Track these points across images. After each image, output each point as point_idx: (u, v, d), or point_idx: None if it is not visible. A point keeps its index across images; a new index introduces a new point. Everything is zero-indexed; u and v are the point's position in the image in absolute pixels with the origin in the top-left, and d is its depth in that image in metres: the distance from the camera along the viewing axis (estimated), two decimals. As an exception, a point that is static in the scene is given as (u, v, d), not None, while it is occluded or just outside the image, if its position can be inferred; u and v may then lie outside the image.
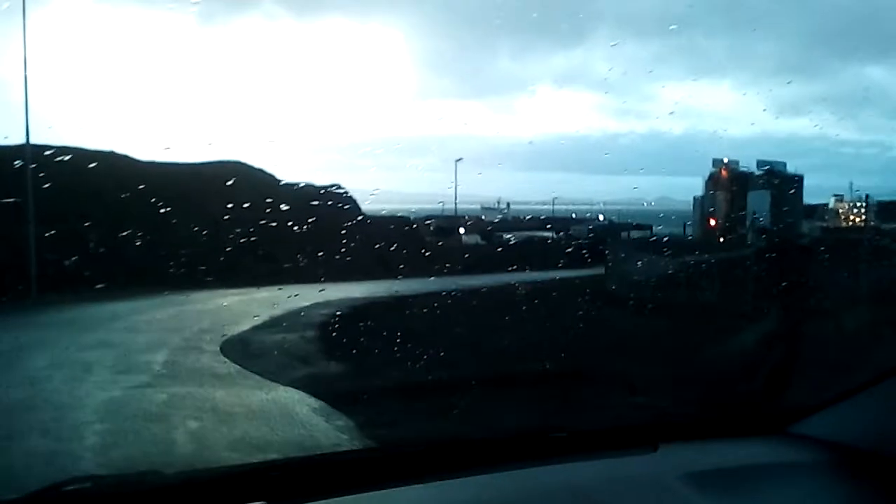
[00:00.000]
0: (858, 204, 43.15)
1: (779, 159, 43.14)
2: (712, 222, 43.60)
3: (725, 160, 42.99)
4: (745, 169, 43.21)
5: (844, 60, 67.52)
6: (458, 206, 54.63)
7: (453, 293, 19.40)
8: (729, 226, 42.13)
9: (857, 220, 42.79)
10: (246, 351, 14.58)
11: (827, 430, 2.87)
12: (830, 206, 44.50)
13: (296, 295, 20.04)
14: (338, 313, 18.59)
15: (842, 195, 44.00)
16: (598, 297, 18.21)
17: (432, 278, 26.97)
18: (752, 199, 41.88)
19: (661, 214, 42.63)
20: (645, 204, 64.94)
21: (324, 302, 20.23)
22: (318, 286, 23.29)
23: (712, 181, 43.76)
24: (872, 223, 41.52)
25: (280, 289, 20.69)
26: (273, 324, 17.54)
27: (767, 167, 41.58)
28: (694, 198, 44.69)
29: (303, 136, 63.17)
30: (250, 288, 22.37)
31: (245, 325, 17.27)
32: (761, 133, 70.75)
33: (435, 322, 15.32)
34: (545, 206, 55.53)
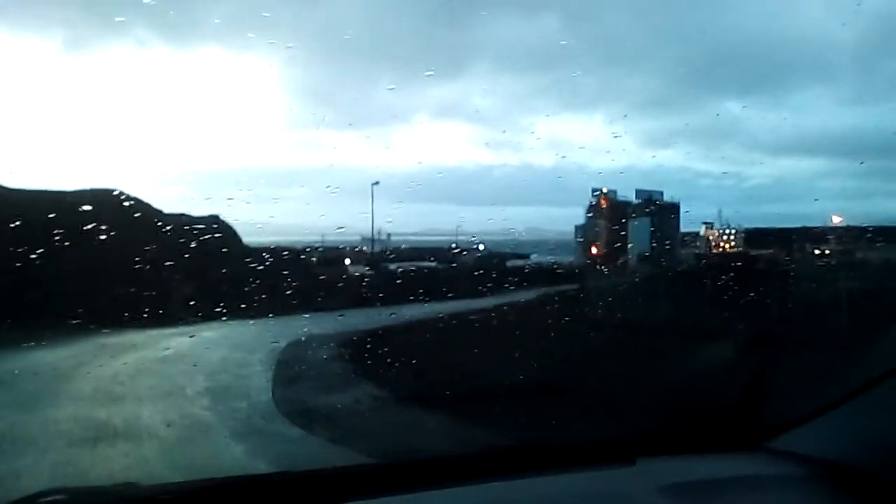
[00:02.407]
0: (727, 231, 45.46)
1: (646, 189, 44.81)
2: (594, 250, 44.52)
3: (605, 189, 44.13)
4: (623, 197, 44.50)
5: (707, 96, 72.10)
6: (336, 238, 53.13)
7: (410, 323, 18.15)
8: (611, 253, 43.17)
9: (728, 246, 45.01)
10: (352, 432, 10.00)
11: (802, 445, 2.90)
12: (701, 233, 46.61)
13: (244, 333, 18.10)
14: (334, 355, 16.63)
15: (711, 223, 46.21)
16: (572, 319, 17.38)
17: (349, 311, 25.69)
18: (633, 226, 43.21)
19: (568, 242, 43.59)
20: (517, 234, 66.07)
21: (296, 341, 18.57)
22: (246, 322, 21.50)
23: (593, 210, 44.78)
24: (741, 249, 43.83)
25: (212, 326, 18.85)
26: (290, 377, 14.12)
27: (646, 195, 43.00)
28: (575, 226, 45.60)
29: (175, 165, 59.69)
30: (180, 327, 20.05)
31: (257, 379, 13.90)
32: (629, 164, 73.83)
33: (431, 350, 13.92)
34: (423, 237, 55.11)
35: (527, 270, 43.09)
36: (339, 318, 22.09)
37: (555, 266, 45.60)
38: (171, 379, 14.25)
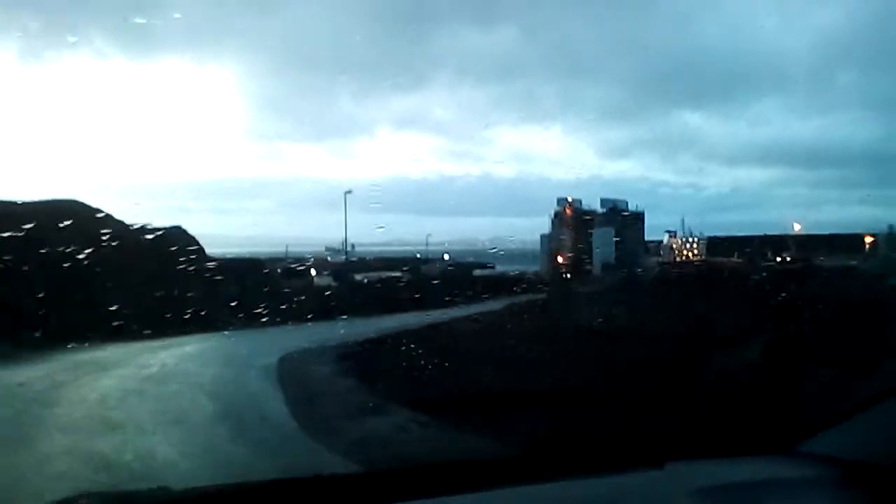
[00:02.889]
0: (690, 239, 45.97)
1: (611, 198, 45.17)
2: (560, 259, 44.69)
3: (570, 198, 44.32)
4: (588, 207, 44.78)
5: (665, 107, 73.30)
6: (299, 249, 52.53)
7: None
8: (577, 261, 43.39)
9: (691, 254, 45.50)
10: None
11: (833, 447, 2.88)
12: (665, 241, 47.04)
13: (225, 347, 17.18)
14: (334, 370, 14.82)
15: (675, 231, 46.68)
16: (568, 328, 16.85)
17: (322, 322, 25.27)
18: (598, 235, 43.49)
19: (531, 252, 43.76)
20: (479, 244, 66.43)
21: (286, 356, 16.81)
22: (220, 335, 20.94)
23: (558, 219, 44.96)
24: (704, 257, 44.36)
25: (187, 340, 17.96)
26: (302, 396, 12.13)
27: (611, 204, 43.32)
28: (541, 235, 45.72)
29: (136, 177, 58.29)
30: (153, 341, 19.07)
31: (267, 400, 11.88)
32: (589, 175, 74.82)
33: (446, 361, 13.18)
34: (387, 248, 54.77)
35: (494, 280, 43.06)
36: (317, 330, 21.53)
37: (521, 275, 45.66)
38: (169, 402, 12.09)
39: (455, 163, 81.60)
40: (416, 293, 35.67)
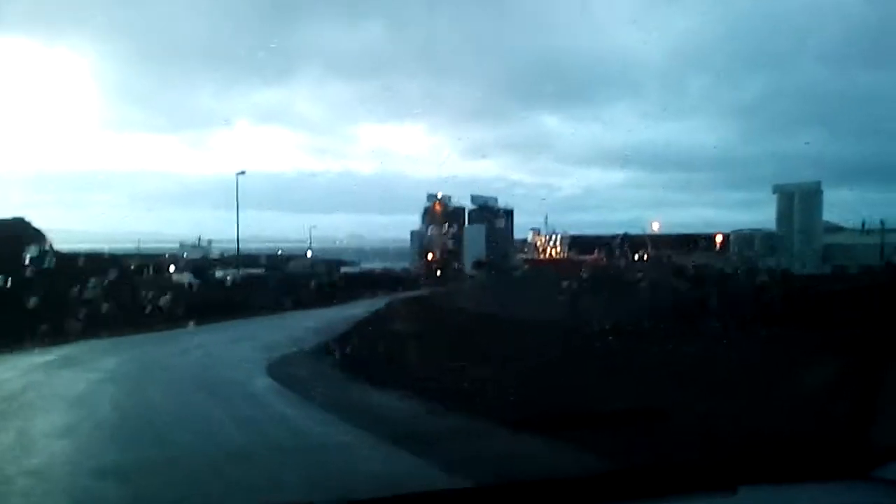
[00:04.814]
0: (553, 237, 46.87)
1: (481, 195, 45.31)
2: (431, 255, 44.38)
3: (440, 195, 44.06)
4: (457, 204, 44.75)
5: (524, 109, 75.38)
6: (152, 245, 49.08)
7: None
8: (447, 258, 43.25)
9: (555, 252, 46.42)
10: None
11: None
12: (529, 239, 47.70)
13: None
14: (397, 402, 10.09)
15: (538, 228, 47.40)
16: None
17: (215, 324, 23.23)
18: (469, 232, 43.55)
19: (392, 250, 42.83)
20: (339, 241, 65.08)
21: (262, 363, 13.56)
22: (123, 340, 18.46)
23: (429, 216, 44.62)
24: (567, 254, 45.47)
25: (87, 349, 15.37)
26: (395, 432, 8.30)
27: (482, 202, 43.47)
28: (411, 232, 45.22)
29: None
30: (37, 352, 15.87)
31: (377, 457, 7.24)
32: (449, 174, 76.14)
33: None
34: (243, 245, 52.32)
35: (364, 278, 41.71)
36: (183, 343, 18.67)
37: (392, 273, 44.65)
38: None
39: (316, 158, 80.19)
40: (289, 291, 33.97)
